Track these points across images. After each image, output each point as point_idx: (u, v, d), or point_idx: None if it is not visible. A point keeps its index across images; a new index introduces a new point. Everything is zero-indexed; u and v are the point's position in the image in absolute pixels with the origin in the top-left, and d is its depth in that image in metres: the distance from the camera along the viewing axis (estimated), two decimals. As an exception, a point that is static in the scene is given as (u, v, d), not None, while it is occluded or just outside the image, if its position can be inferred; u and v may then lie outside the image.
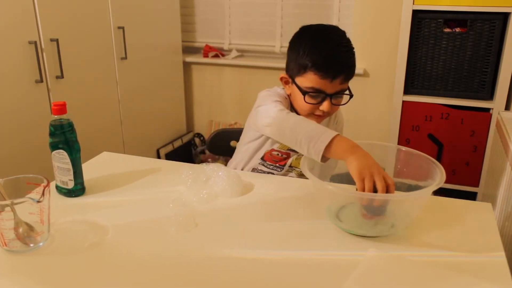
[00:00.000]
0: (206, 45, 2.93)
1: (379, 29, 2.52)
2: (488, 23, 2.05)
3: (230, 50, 2.93)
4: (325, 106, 1.18)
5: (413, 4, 2.10)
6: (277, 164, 1.31)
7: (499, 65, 2.10)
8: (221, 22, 2.92)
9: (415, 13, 2.12)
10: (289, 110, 1.20)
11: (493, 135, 2.05)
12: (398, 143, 2.31)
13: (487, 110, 2.16)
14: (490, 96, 2.16)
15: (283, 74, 1.27)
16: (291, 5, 2.73)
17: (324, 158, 0.99)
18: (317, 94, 1.17)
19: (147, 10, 2.45)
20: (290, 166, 1.31)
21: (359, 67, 2.58)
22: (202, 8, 2.94)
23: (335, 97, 1.18)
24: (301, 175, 1.32)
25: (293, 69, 1.21)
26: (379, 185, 0.86)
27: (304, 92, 1.18)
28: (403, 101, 2.27)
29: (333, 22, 2.65)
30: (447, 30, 2.12)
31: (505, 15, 2.04)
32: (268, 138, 1.28)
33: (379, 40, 2.54)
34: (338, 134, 0.99)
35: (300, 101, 1.20)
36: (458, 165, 2.27)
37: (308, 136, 1.01)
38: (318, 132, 1.01)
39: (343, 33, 1.20)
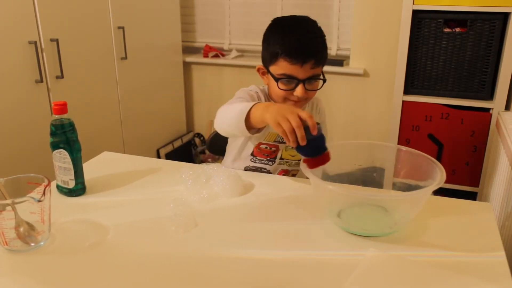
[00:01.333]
0: (206, 45, 2.93)
1: (379, 29, 2.52)
2: (488, 23, 2.05)
3: (230, 50, 2.93)
4: (298, 91, 1.20)
5: (413, 4, 2.10)
6: (268, 158, 1.32)
7: (499, 65, 2.10)
8: (221, 22, 2.92)
9: (415, 13, 2.12)
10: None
11: (493, 135, 2.05)
12: (398, 143, 2.31)
13: (487, 110, 2.16)
14: (490, 96, 2.16)
15: (259, 65, 1.29)
16: (291, 5, 2.72)
17: (254, 130, 1.04)
18: (290, 80, 1.20)
19: (147, 10, 2.45)
20: (281, 159, 1.32)
21: (359, 67, 2.58)
22: (202, 8, 2.94)
23: (308, 82, 1.20)
24: (292, 167, 1.34)
25: (266, 59, 1.24)
26: (293, 122, 0.89)
27: (277, 79, 1.20)
28: (403, 101, 2.27)
29: (333, 22, 2.65)
30: (447, 30, 2.12)
31: (505, 15, 2.04)
32: None
33: (379, 40, 2.53)
34: (256, 103, 1.02)
35: (275, 88, 1.23)
36: (458, 165, 2.27)
37: (231, 117, 1.05)
38: (238, 110, 1.04)
39: (313, 22, 1.24)
